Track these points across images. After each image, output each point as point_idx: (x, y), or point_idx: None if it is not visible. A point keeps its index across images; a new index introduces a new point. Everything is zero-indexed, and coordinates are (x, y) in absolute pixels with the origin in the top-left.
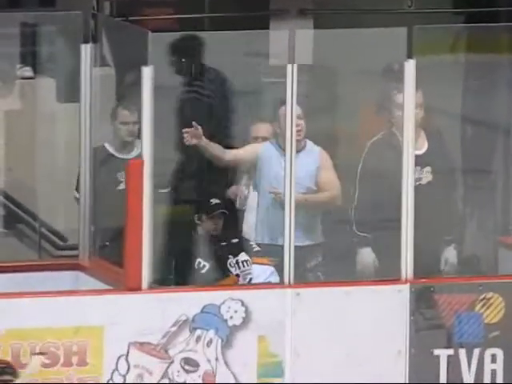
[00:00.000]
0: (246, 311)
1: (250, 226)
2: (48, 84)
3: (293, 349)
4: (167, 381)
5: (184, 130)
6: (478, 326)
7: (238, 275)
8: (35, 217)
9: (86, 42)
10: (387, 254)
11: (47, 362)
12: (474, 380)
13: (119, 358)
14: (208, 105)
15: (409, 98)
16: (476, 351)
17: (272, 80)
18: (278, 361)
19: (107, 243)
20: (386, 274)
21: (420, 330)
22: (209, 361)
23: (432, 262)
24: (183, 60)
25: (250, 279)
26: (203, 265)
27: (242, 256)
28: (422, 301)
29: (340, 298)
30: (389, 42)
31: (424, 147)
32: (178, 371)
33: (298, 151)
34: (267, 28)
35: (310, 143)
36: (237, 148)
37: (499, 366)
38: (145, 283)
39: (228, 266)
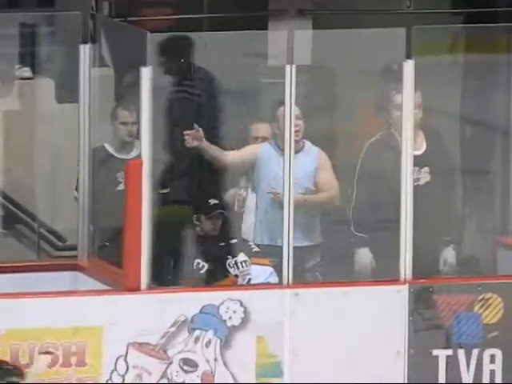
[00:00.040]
0: (245, 312)
1: (249, 226)
2: (47, 84)
3: (291, 349)
4: (166, 381)
5: (185, 133)
6: (477, 327)
7: (236, 276)
8: (34, 217)
9: (84, 42)
10: (385, 254)
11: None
12: (472, 380)
13: (118, 358)
14: (198, 104)
15: (408, 99)
16: (475, 351)
17: (271, 80)
18: (276, 361)
19: (107, 243)
20: (384, 275)
21: (419, 331)
22: (207, 361)
23: (431, 263)
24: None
25: (249, 280)
26: (202, 265)
27: (241, 256)
28: (420, 301)
29: (339, 298)
30: (387, 43)
31: (422, 148)
32: (177, 371)
33: (296, 152)
34: (266, 28)
35: (308, 144)
36: (232, 148)
37: (498, 367)
38: (143, 284)
39: (227, 266)
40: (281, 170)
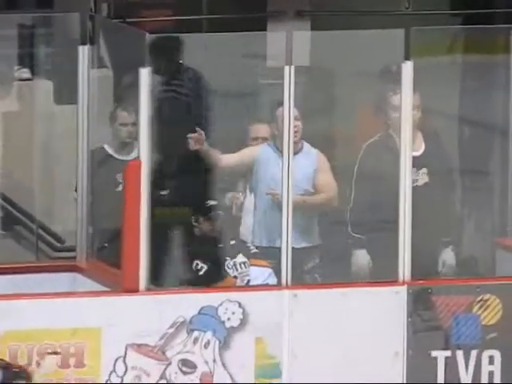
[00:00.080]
0: (244, 313)
1: (248, 228)
2: (46, 85)
3: (290, 350)
4: (165, 382)
5: (189, 136)
6: (476, 328)
7: (235, 277)
8: (33, 218)
9: (83, 43)
10: (383, 255)
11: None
12: (471, 382)
13: (117, 359)
14: (186, 104)
15: (406, 100)
16: (473, 353)
17: (269, 81)
18: (275, 362)
19: (106, 244)
20: (382, 276)
21: (417, 332)
22: (206, 362)
23: (430, 264)
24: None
25: (248, 281)
26: (201, 266)
27: (240, 258)
28: (419, 302)
29: (337, 299)
30: (386, 44)
31: (421, 149)
32: (176, 373)
33: (295, 153)
34: (264, 30)
35: (307, 145)
36: (230, 148)
37: (497, 368)
38: (142, 285)
39: (226, 267)
40: (279, 172)
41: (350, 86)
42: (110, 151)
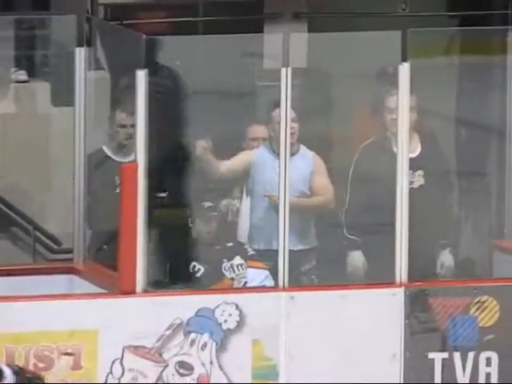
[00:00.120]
0: (241, 315)
1: (245, 230)
2: (43, 87)
3: (287, 352)
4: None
5: (198, 142)
6: (473, 330)
7: (232, 279)
8: (30, 220)
9: (80, 45)
10: (381, 257)
11: (42, 365)
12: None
13: (114, 361)
14: (161, 102)
15: (403, 102)
16: (471, 354)
17: (266, 83)
18: (272, 364)
19: (105, 246)
20: (378, 277)
21: (415, 334)
22: (203, 364)
23: (427, 266)
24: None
25: (245, 283)
26: (198, 268)
27: (237, 260)
28: (416, 304)
29: (334, 301)
30: (383, 46)
31: (417, 150)
32: (173, 375)
33: (291, 155)
34: (262, 31)
35: (303, 148)
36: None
37: (494, 370)
38: (139, 287)
39: (223, 269)
40: (276, 174)
41: (347, 87)
42: (109, 153)
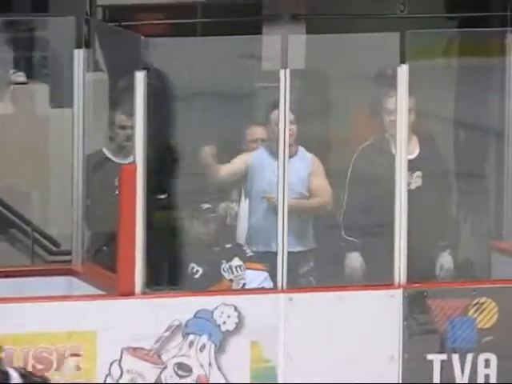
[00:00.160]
0: (239, 316)
1: (243, 231)
2: (41, 89)
3: (286, 354)
4: None
5: (206, 147)
6: (472, 331)
7: (231, 280)
8: (28, 222)
9: (78, 47)
10: (379, 258)
11: (40, 367)
12: None
13: (112, 363)
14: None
15: (402, 103)
16: (469, 356)
17: (265, 85)
18: (271, 366)
19: (104, 248)
20: (376, 279)
21: (413, 335)
22: (202, 366)
23: (426, 267)
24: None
25: (244, 284)
26: (196, 270)
27: (236, 261)
28: (415, 306)
29: (333, 302)
30: (381, 47)
31: (415, 152)
32: (171, 376)
33: (290, 156)
34: (260, 33)
35: (301, 149)
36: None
37: (493, 371)
38: (138, 288)
39: (221, 271)
40: (275, 176)
41: (346, 89)
42: (108, 154)
